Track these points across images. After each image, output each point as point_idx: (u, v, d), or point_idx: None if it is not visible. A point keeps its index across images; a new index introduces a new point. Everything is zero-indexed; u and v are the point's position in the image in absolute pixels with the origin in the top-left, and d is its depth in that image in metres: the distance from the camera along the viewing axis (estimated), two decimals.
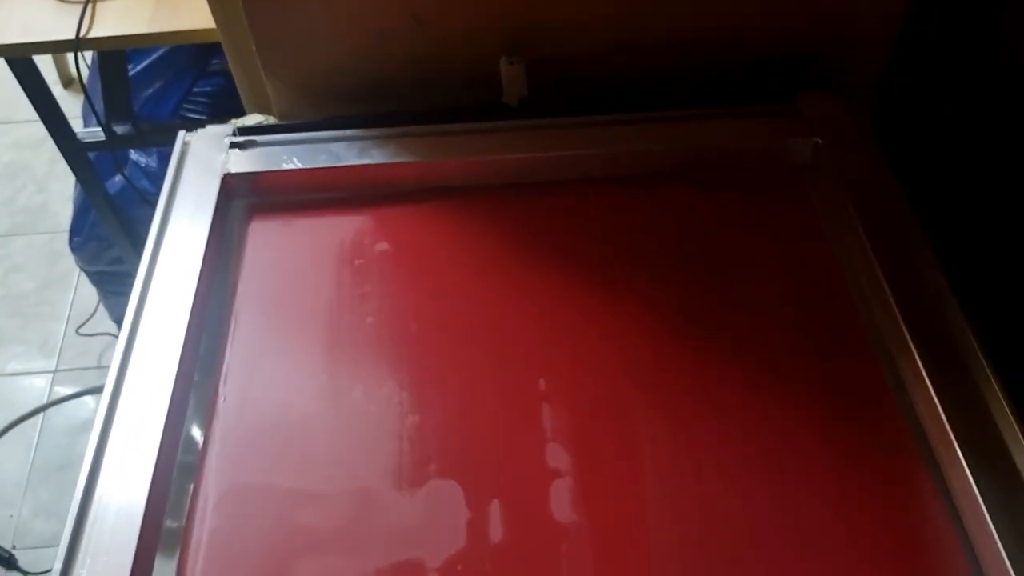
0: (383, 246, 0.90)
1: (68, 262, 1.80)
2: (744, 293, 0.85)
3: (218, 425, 0.77)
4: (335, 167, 0.93)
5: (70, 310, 2.16)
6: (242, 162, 0.94)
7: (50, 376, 2.06)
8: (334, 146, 0.95)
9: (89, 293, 2.00)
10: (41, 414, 1.98)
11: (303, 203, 0.94)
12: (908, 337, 0.77)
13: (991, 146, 0.99)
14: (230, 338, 0.83)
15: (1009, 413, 0.71)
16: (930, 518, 0.70)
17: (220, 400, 0.79)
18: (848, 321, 0.83)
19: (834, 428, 0.75)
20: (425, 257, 0.90)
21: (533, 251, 0.90)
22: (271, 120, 1.00)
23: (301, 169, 0.93)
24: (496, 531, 0.70)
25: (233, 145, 0.95)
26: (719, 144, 0.95)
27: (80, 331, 2.08)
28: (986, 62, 0.97)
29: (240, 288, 0.87)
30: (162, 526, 0.70)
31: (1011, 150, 0.95)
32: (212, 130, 0.97)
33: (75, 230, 1.70)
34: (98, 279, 1.82)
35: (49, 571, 1.71)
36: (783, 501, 0.71)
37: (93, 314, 2.06)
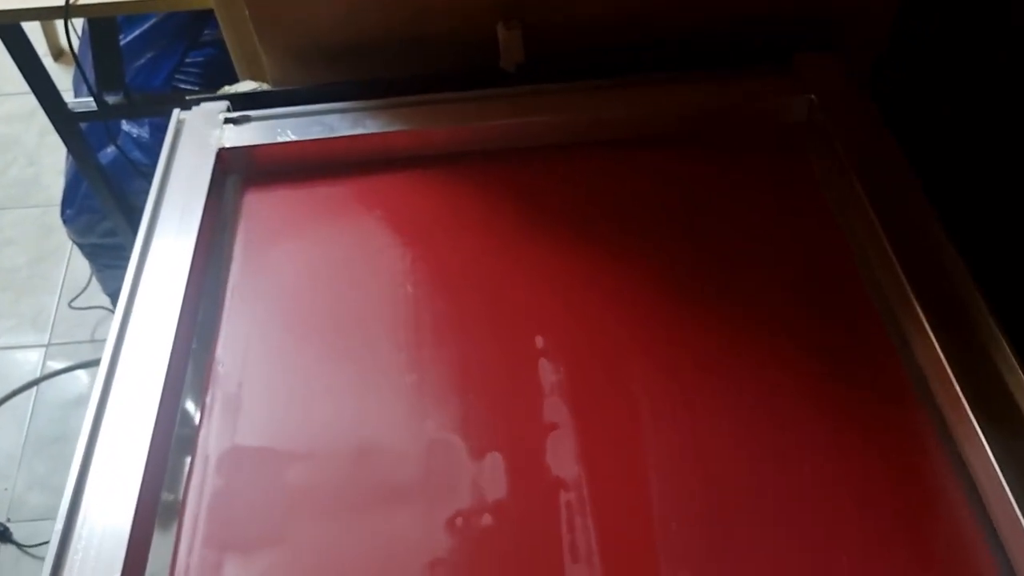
0: (378, 214, 0.90)
1: (60, 235, 1.79)
2: (740, 251, 0.85)
3: (216, 391, 0.77)
4: (329, 138, 0.93)
5: (63, 284, 2.16)
6: (236, 137, 0.94)
7: (43, 350, 2.06)
8: (328, 118, 0.94)
9: (82, 266, 1.99)
10: (34, 388, 1.98)
11: (298, 175, 0.94)
12: (909, 289, 0.76)
13: (990, 120, 0.99)
14: (227, 307, 0.83)
15: (1014, 360, 0.71)
16: (934, 468, 0.70)
17: (218, 367, 0.79)
18: (847, 277, 0.83)
19: (834, 379, 0.75)
20: (421, 223, 0.89)
21: (529, 215, 0.89)
22: (264, 87, 0.99)
23: (295, 141, 0.93)
24: (495, 485, 0.70)
25: (227, 120, 0.95)
26: (713, 105, 0.95)
27: (73, 305, 2.07)
28: (986, 49, 0.97)
29: (236, 258, 0.87)
30: (160, 494, 0.70)
31: (1010, 129, 0.95)
32: (206, 107, 0.97)
33: (67, 202, 1.69)
34: (90, 252, 1.81)
35: (44, 544, 1.72)
36: (782, 454, 0.71)
37: (86, 288, 2.06)
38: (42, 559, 1.69)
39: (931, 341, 0.73)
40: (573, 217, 0.89)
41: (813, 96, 0.94)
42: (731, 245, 0.86)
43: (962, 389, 0.70)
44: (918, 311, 0.75)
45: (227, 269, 0.86)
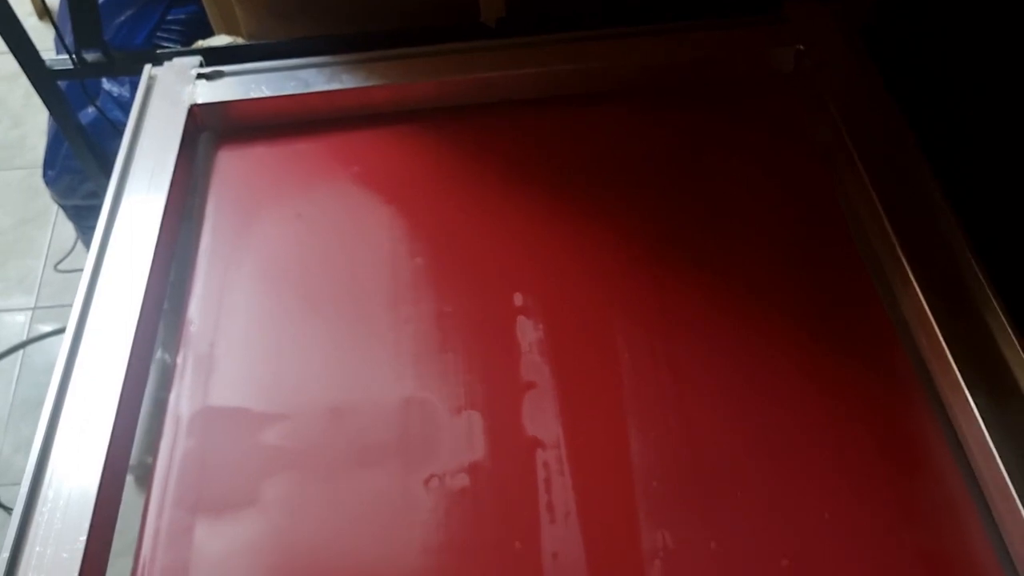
0: (355, 170, 0.88)
1: (46, 198, 1.77)
2: (727, 205, 0.84)
3: (188, 351, 0.76)
4: (305, 93, 0.91)
5: (49, 247, 2.14)
6: (209, 92, 0.92)
7: (29, 313, 2.04)
8: (303, 72, 0.92)
9: (67, 229, 1.97)
10: (21, 351, 1.96)
11: (273, 131, 0.92)
12: (896, 243, 0.76)
13: (985, 70, 0.96)
14: (199, 266, 0.82)
15: (1003, 318, 0.70)
16: (919, 427, 0.70)
17: (190, 327, 0.77)
18: (836, 231, 0.82)
19: (818, 337, 0.75)
20: (399, 180, 0.88)
21: (509, 169, 0.88)
22: (239, 41, 0.97)
23: (270, 97, 0.91)
24: (472, 445, 0.70)
25: (200, 76, 0.93)
26: (701, 55, 0.93)
27: (59, 268, 2.05)
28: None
29: (209, 217, 0.86)
30: (129, 456, 0.69)
31: (1005, 77, 0.93)
32: (179, 62, 0.95)
33: (48, 163, 1.66)
34: (74, 213, 1.79)
35: None
36: (764, 414, 0.71)
37: (71, 250, 2.03)
38: None
39: (918, 297, 0.72)
40: (555, 172, 0.87)
41: (801, 46, 0.92)
42: (718, 199, 0.85)
43: (947, 343, 0.69)
44: (905, 265, 0.74)
45: (200, 228, 0.85)
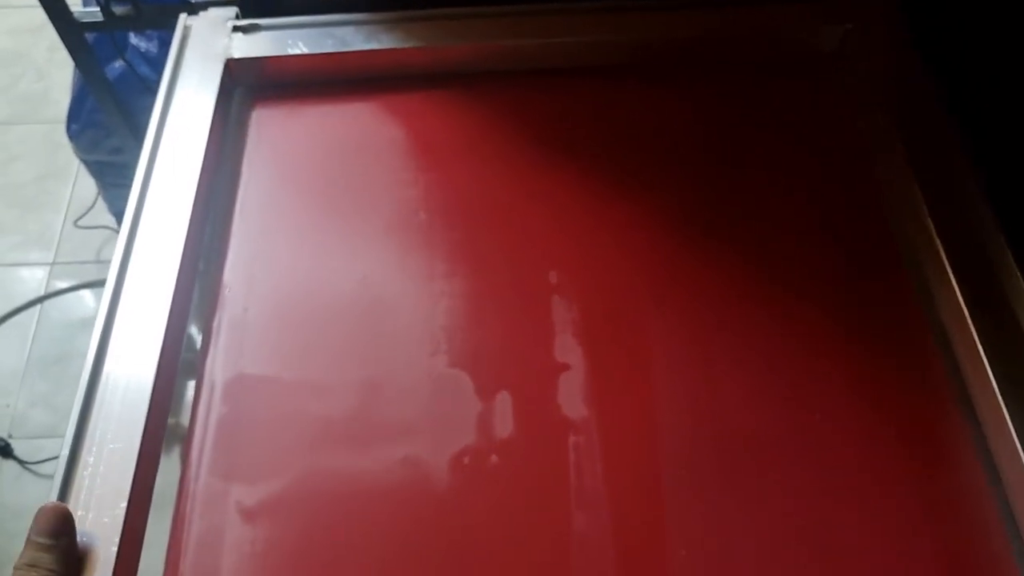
0: (392, 133, 0.86)
1: (68, 153, 1.75)
2: (765, 187, 0.82)
3: (223, 315, 0.75)
4: (342, 52, 0.89)
5: (69, 202, 2.12)
6: (245, 47, 0.89)
7: (48, 268, 2.03)
8: (340, 30, 0.90)
9: (88, 185, 1.95)
10: (38, 306, 1.96)
11: (308, 90, 0.90)
12: (937, 240, 0.74)
13: None
14: (234, 228, 0.80)
15: None
16: (947, 425, 0.68)
17: (225, 291, 0.76)
18: (874, 222, 0.79)
19: (853, 330, 0.73)
20: (434, 145, 0.86)
21: (547, 141, 0.86)
22: None
23: (307, 54, 0.89)
24: (504, 424, 0.68)
25: (236, 29, 0.90)
26: (745, 31, 0.90)
27: (79, 223, 2.04)
28: None
29: (244, 177, 0.84)
30: (167, 417, 0.68)
31: None
32: (214, 13, 0.92)
33: (72, 117, 1.64)
34: (97, 169, 1.77)
35: (45, 461, 1.72)
36: (797, 405, 0.69)
37: (92, 206, 2.03)
38: (43, 476, 1.71)
39: (955, 294, 0.70)
40: (593, 146, 0.85)
41: (850, 25, 0.89)
42: (756, 180, 0.82)
43: (980, 341, 0.68)
44: (944, 261, 0.72)
45: (235, 188, 0.83)
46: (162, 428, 0.67)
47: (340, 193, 0.82)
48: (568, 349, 0.72)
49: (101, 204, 1.97)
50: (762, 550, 0.63)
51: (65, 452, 0.63)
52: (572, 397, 0.69)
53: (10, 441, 1.76)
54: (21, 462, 1.76)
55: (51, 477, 0.62)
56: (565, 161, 0.84)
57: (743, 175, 0.83)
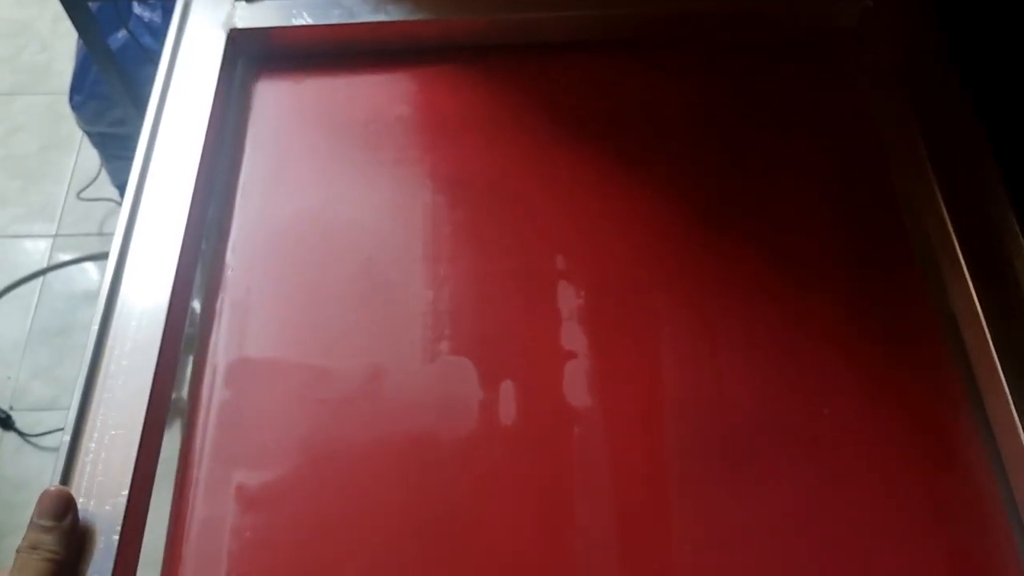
0: (399, 109, 0.84)
1: (71, 124, 1.74)
2: (777, 168, 0.79)
3: (226, 297, 0.73)
4: (348, 23, 0.86)
5: (72, 174, 2.11)
6: (249, 17, 0.87)
7: (50, 240, 2.02)
8: (347, 1, 0.87)
9: (91, 157, 1.94)
10: (41, 278, 1.94)
11: (313, 62, 0.88)
12: (952, 234, 0.71)
13: None
14: (237, 205, 0.78)
15: None
16: (955, 418, 0.67)
17: (228, 271, 0.74)
18: (888, 212, 0.77)
19: (863, 326, 0.71)
20: (443, 122, 0.84)
21: (557, 118, 0.83)
22: None
23: (312, 25, 0.86)
24: (508, 412, 0.67)
25: None
26: (761, 5, 0.88)
27: (81, 196, 2.03)
28: None
29: (248, 153, 0.82)
30: (169, 402, 0.67)
31: None
32: None
33: (75, 88, 1.63)
34: (100, 141, 1.76)
35: (46, 433, 1.71)
36: (805, 393, 0.68)
37: (95, 179, 2.01)
38: (43, 448, 1.70)
39: (969, 291, 0.68)
40: (605, 123, 0.83)
41: (868, 2, 0.87)
42: (768, 161, 0.80)
43: (993, 341, 0.65)
44: (957, 250, 0.70)
45: (238, 164, 0.81)
46: (164, 413, 0.66)
47: (345, 170, 0.80)
48: (574, 337, 0.70)
49: (104, 176, 1.96)
50: (763, 544, 0.62)
51: (66, 439, 0.61)
52: (577, 386, 0.68)
53: (11, 413, 1.75)
54: (22, 434, 1.75)
55: (52, 450, 0.61)
56: (574, 140, 0.82)
57: (753, 157, 0.80)
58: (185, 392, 0.69)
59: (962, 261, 0.70)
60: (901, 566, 0.61)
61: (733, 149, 0.81)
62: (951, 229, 0.71)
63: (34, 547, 0.55)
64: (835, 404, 0.67)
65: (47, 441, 1.73)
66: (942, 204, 0.73)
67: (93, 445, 0.61)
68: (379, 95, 0.85)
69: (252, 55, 0.88)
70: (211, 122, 0.79)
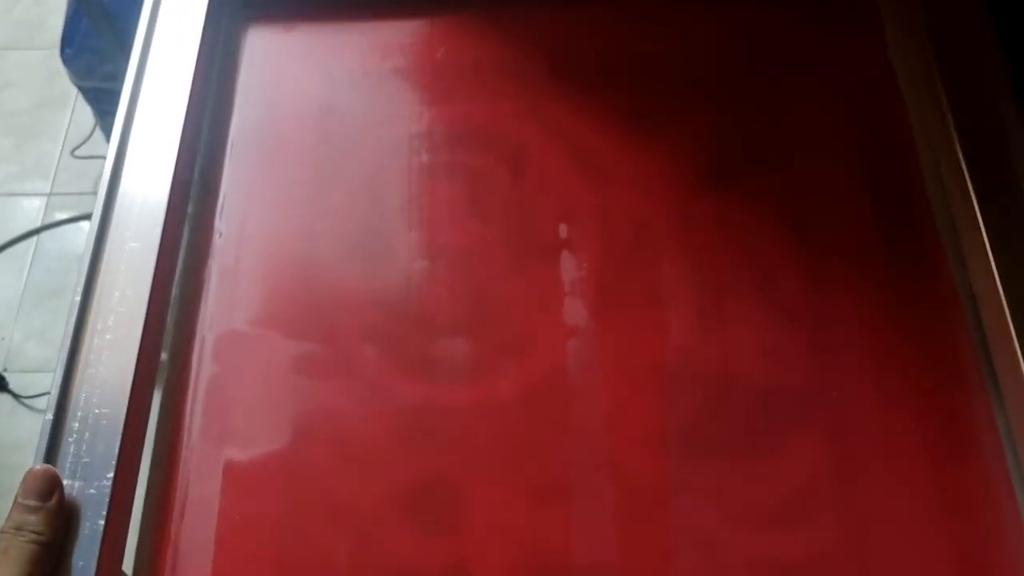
0: (395, 61, 0.80)
1: (65, 80, 1.70)
2: (794, 129, 0.75)
3: (214, 266, 0.70)
4: None
5: (66, 131, 2.07)
6: None
7: (45, 199, 1.99)
8: None
9: (86, 113, 1.90)
10: (35, 237, 1.91)
11: (304, 11, 0.83)
12: (977, 211, 0.66)
13: None
14: (226, 166, 0.74)
15: None
16: (976, 420, 0.63)
17: (216, 236, 0.71)
18: (910, 180, 0.73)
19: (881, 306, 0.67)
20: (442, 76, 0.79)
21: (562, 73, 0.79)
22: None
23: None
24: (508, 386, 0.64)
25: None
26: None
27: (76, 153, 1.99)
28: None
29: (236, 109, 0.78)
30: (155, 379, 0.64)
31: None
32: None
33: (66, 40, 1.58)
34: (93, 97, 1.72)
35: (40, 395, 1.69)
36: (812, 384, 0.64)
37: (90, 136, 1.97)
38: (37, 410, 1.68)
39: (988, 260, 0.64)
40: (613, 79, 0.78)
41: None
42: (784, 121, 0.75)
43: (1014, 325, 0.61)
44: (980, 223, 0.66)
45: (226, 121, 0.76)
46: (150, 390, 0.63)
47: (340, 127, 0.76)
48: (577, 310, 0.67)
49: (99, 134, 1.92)
50: (768, 522, 0.60)
51: (48, 417, 0.58)
52: (580, 359, 0.65)
53: (4, 374, 1.73)
54: (16, 396, 1.73)
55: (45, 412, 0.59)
56: (580, 95, 0.78)
57: (772, 114, 0.76)
58: (172, 367, 0.66)
59: (983, 229, 0.65)
60: (910, 551, 0.59)
61: (743, 103, 0.76)
62: (974, 199, 0.67)
63: (19, 528, 0.53)
64: (845, 385, 0.64)
65: (41, 403, 1.70)
66: (966, 173, 0.69)
67: (76, 424, 0.58)
68: (375, 46, 0.81)
69: (239, 2, 0.83)
70: (196, 75, 0.74)
